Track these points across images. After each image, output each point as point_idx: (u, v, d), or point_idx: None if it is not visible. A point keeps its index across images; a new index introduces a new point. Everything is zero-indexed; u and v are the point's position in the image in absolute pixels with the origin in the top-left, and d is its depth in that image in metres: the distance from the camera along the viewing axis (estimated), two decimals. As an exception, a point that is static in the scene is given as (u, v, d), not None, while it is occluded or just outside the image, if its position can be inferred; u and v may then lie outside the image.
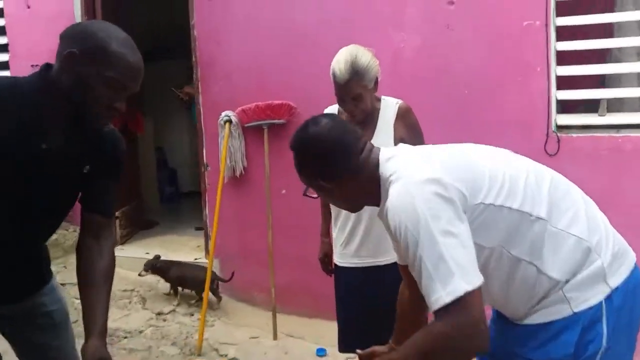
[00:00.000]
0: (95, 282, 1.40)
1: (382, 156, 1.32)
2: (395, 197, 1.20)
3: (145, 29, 5.05)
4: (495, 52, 2.88)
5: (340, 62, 1.98)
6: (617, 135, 2.74)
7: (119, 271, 3.93)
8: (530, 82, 2.83)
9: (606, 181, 2.68)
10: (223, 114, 3.44)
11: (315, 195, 1.44)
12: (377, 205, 1.35)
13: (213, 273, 3.40)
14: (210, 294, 3.36)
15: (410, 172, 1.21)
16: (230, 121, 3.42)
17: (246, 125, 3.43)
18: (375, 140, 1.91)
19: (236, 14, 3.42)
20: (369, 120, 2.04)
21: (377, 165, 1.31)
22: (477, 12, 2.88)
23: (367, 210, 2.03)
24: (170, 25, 5.48)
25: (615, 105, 2.87)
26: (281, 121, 3.34)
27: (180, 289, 3.63)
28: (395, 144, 1.97)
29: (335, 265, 2.24)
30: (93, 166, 1.41)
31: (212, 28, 3.49)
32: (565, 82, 2.86)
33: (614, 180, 2.70)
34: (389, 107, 2.07)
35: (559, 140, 2.80)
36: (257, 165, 3.45)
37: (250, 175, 3.50)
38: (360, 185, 1.33)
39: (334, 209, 2.15)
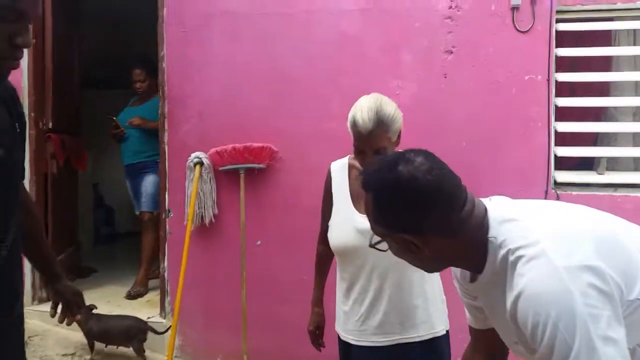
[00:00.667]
0: (38, 237, 1.50)
1: (494, 215, 1.08)
2: (538, 283, 0.95)
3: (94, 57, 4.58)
4: (495, 104, 2.78)
5: (363, 109, 1.72)
6: (616, 194, 2.70)
7: (58, 331, 3.39)
8: (532, 137, 2.75)
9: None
10: (193, 155, 3.08)
11: (386, 248, 1.18)
12: (473, 271, 1.12)
13: (141, 322, 3.00)
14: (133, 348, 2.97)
15: (556, 250, 0.97)
16: (201, 163, 3.06)
17: (220, 168, 3.09)
18: None
19: (213, 47, 3.11)
20: None
21: (482, 224, 1.07)
22: (475, 63, 2.79)
23: (391, 277, 1.76)
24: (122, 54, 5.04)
25: (610, 164, 2.85)
26: (260, 166, 3.03)
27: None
28: None
29: (345, 343, 1.93)
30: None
31: (185, 61, 3.14)
32: (560, 139, 2.81)
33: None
34: None
35: (558, 197, 2.71)
36: (230, 213, 3.10)
37: (222, 224, 3.13)
38: (456, 245, 1.08)
39: (349, 273, 1.87)
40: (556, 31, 2.71)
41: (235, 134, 3.04)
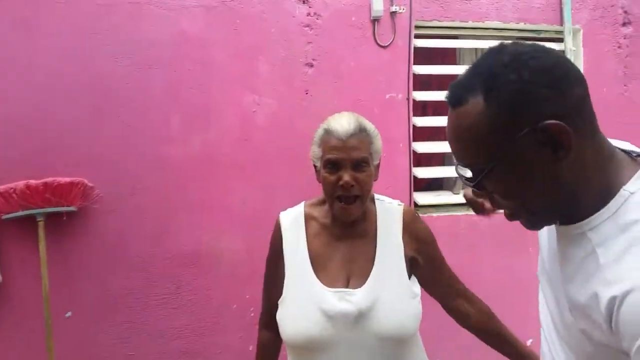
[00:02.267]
0: None
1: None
2: None
3: None
4: (359, 124, 2.53)
5: (342, 117, 1.35)
6: (471, 213, 2.73)
7: None
8: (395, 159, 2.58)
9: (466, 258, 2.62)
10: (-43, 198, 2.08)
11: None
12: (566, 220, 0.88)
13: None
14: None
15: None
16: (-29, 211, 2.09)
17: (4, 217, 2.15)
18: (378, 262, 1.34)
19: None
20: (363, 226, 1.39)
21: (610, 156, 0.86)
22: (337, 78, 2.49)
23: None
24: None
25: (460, 183, 2.88)
26: (70, 208, 2.20)
27: None
28: (408, 270, 1.37)
29: None
30: None
31: None
32: (416, 160, 2.72)
33: (474, 255, 2.68)
34: (389, 212, 1.42)
35: (420, 221, 2.62)
36: (26, 277, 2.19)
37: (13, 294, 2.20)
38: (575, 172, 0.83)
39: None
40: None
41: (30, 167, 2.15)
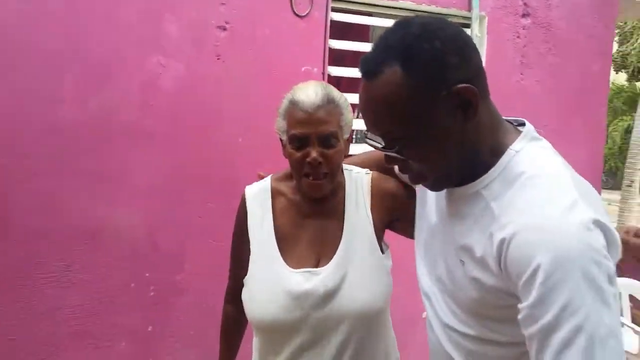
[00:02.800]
0: None
1: (528, 129, 0.96)
2: (557, 222, 0.80)
3: None
4: (274, 96, 2.41)
5: (308, 87, 1.25)
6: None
7: None
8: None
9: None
10: None
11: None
12: (461, 182, 0.96)
13: None
14: None
15: (576, 195, 0.83)
16: None
17: None
18: (346, 238, 1.27)
19: None
20: (333, 202, 1.31)
21: (502, 125, 0.96)
22: (253, 46, 2.36)
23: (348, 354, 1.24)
24: None
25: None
26: None
27: None
28: (379, 241, 1.30)
29: None
30: None
31: None
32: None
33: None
34: (357, 183, 1.33)
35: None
36: None
37: None
38: (476, 134, 0.92)
39: (280, 356, 1.25)
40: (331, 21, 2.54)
41: None
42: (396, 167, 1.11)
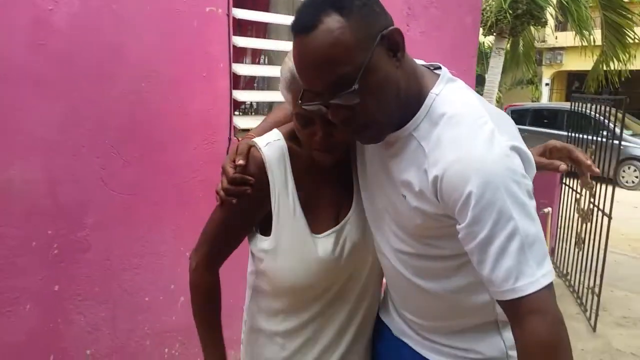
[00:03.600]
0: None
1: (445, 72, 1.08)
2: (480, 153, 0.93)
3: None
4: (176, 38, 2.30)
5: None
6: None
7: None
8: (215, 79, 2.44)
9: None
10: None
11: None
12: (393, 128, 1.04)
13: None
14: None
15: (492, 126, 0.97)
16: None
17: None
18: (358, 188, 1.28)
19: None
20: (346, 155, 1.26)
21: (417, 66, 1.06)
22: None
23: (366, 304, 1.29)
24: None
25: (266, 107, 2.90)
26: None
27: None
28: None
29: None
30: None
31: None
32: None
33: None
34: None
35: (239, 145, 2.58)
36: None
37: None
38: (406, 79, 1.01)
39: (300, 309, 1.24)
40: (234, -40, 2.43)
41: None
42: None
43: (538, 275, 0.90)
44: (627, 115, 5.86)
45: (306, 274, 1.18)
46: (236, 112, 2.80)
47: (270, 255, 1.19)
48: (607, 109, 4.04)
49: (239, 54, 2.68)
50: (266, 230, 1.20)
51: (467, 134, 0.95)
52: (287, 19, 2.69)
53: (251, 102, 3.46)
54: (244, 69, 2.57)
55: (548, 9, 10.47)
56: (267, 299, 1.27)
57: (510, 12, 9.22)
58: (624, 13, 9.02)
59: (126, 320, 2.28)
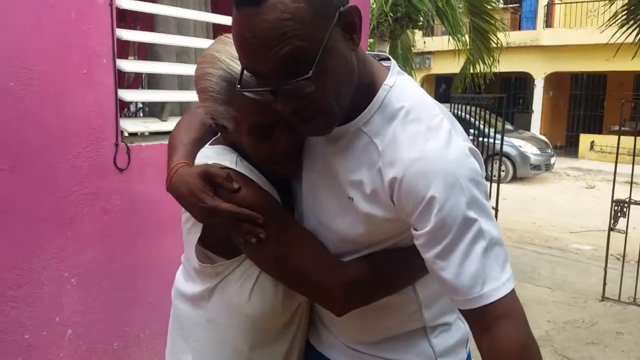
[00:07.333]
0: None
1: (395, 65, 0.98)
2: (441, 153, 0.87)
3: None
4: (51, 30, 1.98)
5: None
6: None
7: None
8: (97, 77, 2.14)
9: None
10: None
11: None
12: (344, 120, 0.94)
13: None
14: None
15: (449, 125, 0.92)
16: None
17: None
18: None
19: None
20: None
21: (366, 55, 0.97)
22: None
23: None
24: None
25: (157, 109, 2.63)
26: None
27: None
28: None
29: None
30: None
31: None
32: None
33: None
34: None
35: (129, 151, 2.30)
36: None
37: None
38: (359, 66, 0.92)
39: None
40: (116, -57, 2.15)
41: None
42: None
43: (504, 279, 0.87)
44: (492, 114, 6.16)
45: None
46: (123, 114, 2.50)
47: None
48: (485, 108, 4.28)
49: (124, 49, 2.39)
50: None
51: (425, 132, 0.89)
52: (176, 11, 2.47)
53: (137, 103, 3.16)
54: (130, 65, 2.30)
55: (424, 12, 11.08)
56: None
57: (392, 14, 9.58)
58: (488, 19, 9.80)
59: (0, 364, 1.92)
